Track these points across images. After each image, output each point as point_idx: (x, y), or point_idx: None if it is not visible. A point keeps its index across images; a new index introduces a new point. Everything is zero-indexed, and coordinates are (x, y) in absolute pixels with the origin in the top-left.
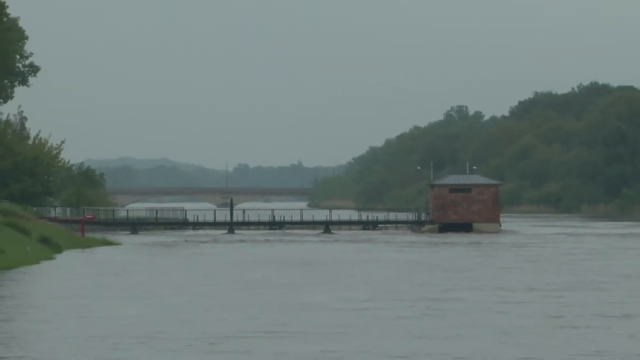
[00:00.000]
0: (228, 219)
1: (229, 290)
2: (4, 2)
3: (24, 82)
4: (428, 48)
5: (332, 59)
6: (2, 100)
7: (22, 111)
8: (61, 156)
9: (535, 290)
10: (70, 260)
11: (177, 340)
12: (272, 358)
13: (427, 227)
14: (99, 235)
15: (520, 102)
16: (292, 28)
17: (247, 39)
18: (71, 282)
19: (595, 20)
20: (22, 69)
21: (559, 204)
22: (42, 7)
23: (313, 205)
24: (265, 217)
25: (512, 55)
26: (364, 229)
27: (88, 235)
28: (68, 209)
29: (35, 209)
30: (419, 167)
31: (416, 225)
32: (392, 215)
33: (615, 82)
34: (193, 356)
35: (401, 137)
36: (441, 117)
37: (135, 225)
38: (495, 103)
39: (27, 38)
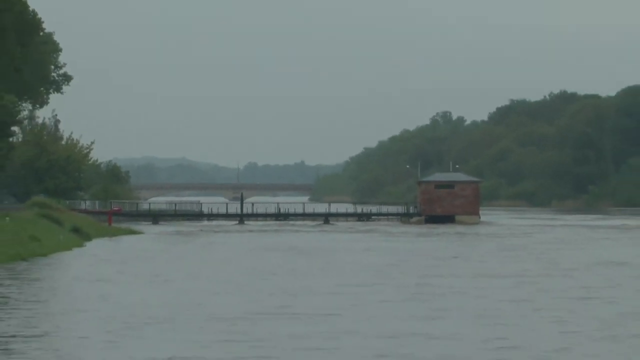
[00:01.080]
0: (239, 211)
1: (237, 275)
2: (40, 18)
3: (58, 89)
4: (417, 60)
5: (329, 74)
6: (38, 106)
7: (56, 115)
8: (91, 155)
9: (511, 277)
10: (98, 247)
11: (187, 321)
12: (272, 337)
13: (415, 219)
14: (124, 225)
15: (497, 109)
16: (298, 43)
17: (257, 51)
18: (98, 267)
19: (565, 35)
20: (57, 78)
21: (533, 199)
22: (74, 22)
23: (314, 200)
24: (272, 210)
25: (491, 66)
26: (359, 220)
27: (114, 225)
28: (97, 202)
29: (67, 202)
30: (408, 166)
31: (405, 217)
32: (384, 209)
33: (582, 90)
34: (200, 335)
35: (392, 139)
36: (428, 122)
37: (156, 217)
38: (475, 109)
39: (60, 50)
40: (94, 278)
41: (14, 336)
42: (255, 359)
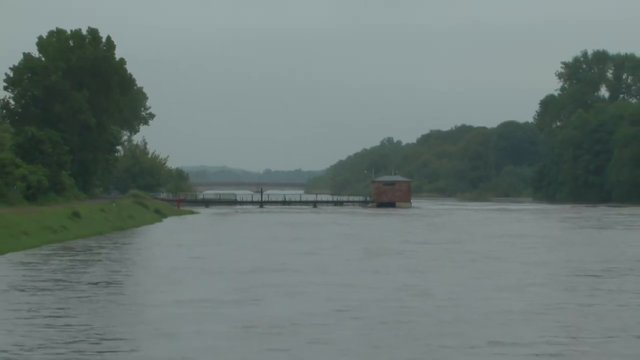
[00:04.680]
0: (260, 199)
1: (256, 241)
2: (134, 78)
3: (145, 123)
4: (373, 105)
5: (313, 114)
6: (133, 133)
7: (145, 139)
8: (166, 164)
9: (431, 244)
10: (171, 222)
11: (211, 273)
12: (263, 285)
13: (370, 204)
14: (187, 208)
15: (422, 135)
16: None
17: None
18: (169, 235)
19: (465, 88)
20: (145, 115)
21: (444, 192)
22: (157, 83)
23: (307, 192)
24: (280, 199)
25: (418, 109)
26: (335, 205)
27: (181, 208)
28: (170, 194)
29: (151, 193)
30: (366, 171)
31: (364, 204)
32: (351, 198)
33: (475, 124)
34: (220, 283)
35: (356, 154)
36: (378, 143)
37: (207, 203)
38: (408, 135)
39: (147, 98)
40: (164, 243)
41: (111, 283)
42: (246, 300)
